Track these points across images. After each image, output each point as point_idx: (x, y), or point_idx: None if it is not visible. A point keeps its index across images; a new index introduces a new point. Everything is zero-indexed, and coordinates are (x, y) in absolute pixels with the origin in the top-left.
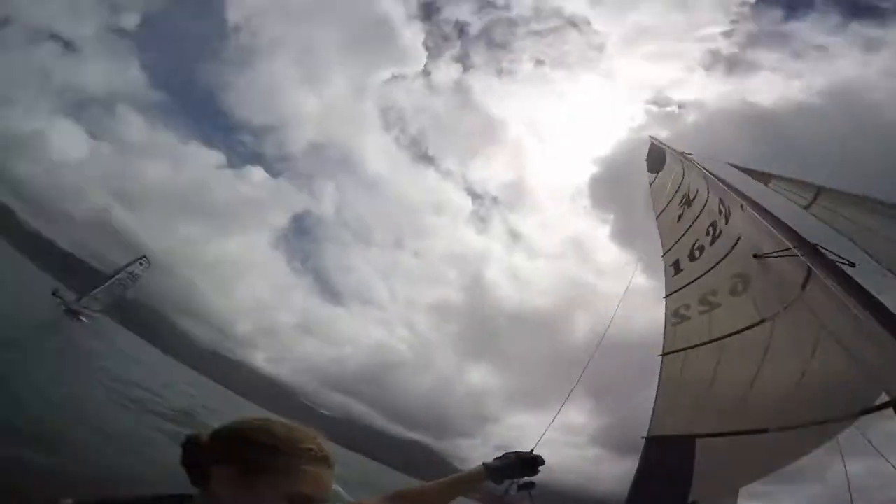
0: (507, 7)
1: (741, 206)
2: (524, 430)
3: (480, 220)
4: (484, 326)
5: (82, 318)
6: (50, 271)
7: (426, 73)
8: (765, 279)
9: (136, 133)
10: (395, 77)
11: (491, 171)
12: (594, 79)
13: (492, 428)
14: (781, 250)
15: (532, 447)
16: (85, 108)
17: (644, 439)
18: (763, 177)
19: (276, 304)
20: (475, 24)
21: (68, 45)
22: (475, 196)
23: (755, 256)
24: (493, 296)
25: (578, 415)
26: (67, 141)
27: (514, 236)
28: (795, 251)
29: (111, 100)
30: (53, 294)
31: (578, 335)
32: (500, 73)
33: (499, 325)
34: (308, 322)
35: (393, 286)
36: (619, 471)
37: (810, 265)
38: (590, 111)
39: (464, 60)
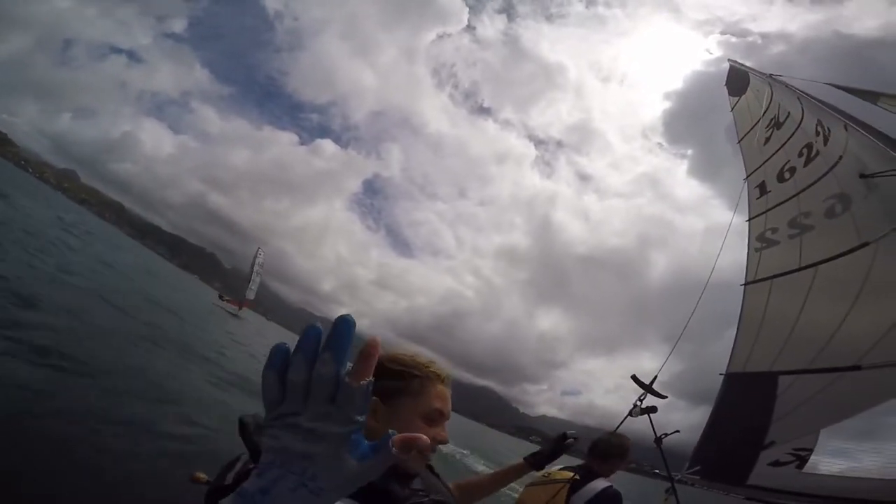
0: None
1: (844, 125)
2: (593, 374)
3: (546, 165)
4: (553, 270)
5: (238, 316)
6: (157, 252)
7: (471, 28)
8: (870, 199)
9: (212, 125)
10: (440, 37)
11: (553, 116)
12: (656, 14)
13: (561, 373)
14: None
15: (650, 382)
16: (163, 109)
17: (722, 376)
18: (869, 95)
19: (355, 261)
20: None
21: (132, 55)
22: (538, 142)
23: (862, 176)
24: (563, 239)
25: (652, 361)
26: (155, 139)
27: (583, 178)
28: None
29: (184, 98)
30: (220, 297)
31: (654, 275)
32: (549, 18)
33: (569, 269)
34: (384, 276)
35: (460, 235)
36: (691, 419)
37: None
38: (656, 46)
39: (508, 11)
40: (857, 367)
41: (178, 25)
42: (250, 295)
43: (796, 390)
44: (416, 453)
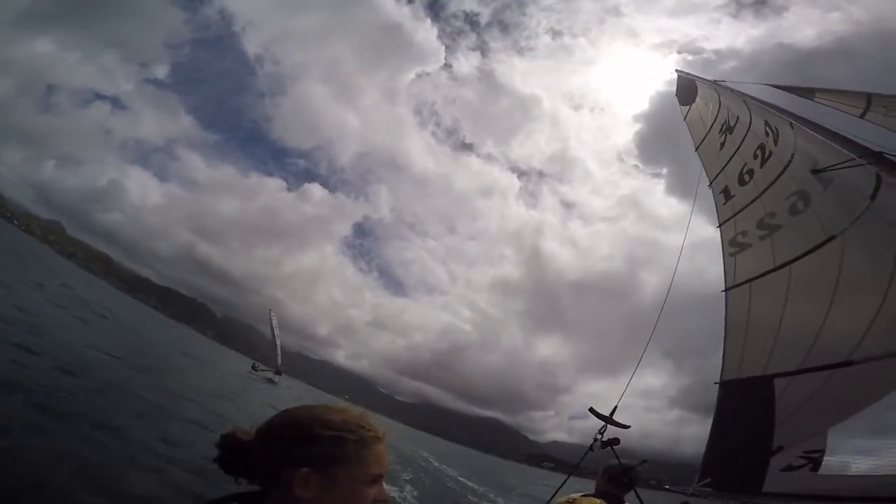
0: None
1: (790, 123)
2: (600, 397)
3: (530, 196)
4: (547, 298)
5: (274, 381)
6: (149, 304)
7: (447, 66)
8: (827, 194)
9: (198, 172)
10: (419, 76)
11: (532, 148)
12: (617, 40)
13: (565, 398)
14: (844, 161)
15: (610, 412)
16: (149, 157)
17: (718, 385)
18: (806, 92)
19: (349, 304)
20: (484, 13)
21: (115, 102)
22: (521, 173)
23: (813, 172)
24: (554, 267)
25: (656, 378)
26: (141, 187)
27: (567, 206)
28: (860, 161)
29: (169, 146)
30: (254, 368)
31: (647, 294)
32: (519, 51)
33: (563, 296)
34: (379, 317)
35: (453, 271)
36: (704, 432)
37: (879, 172)
38: (621, 71)
39: (481, 47)
40: (849, 363)
41: (161, 72)
42: (279, 360)
43: (794, 392)
44: None
